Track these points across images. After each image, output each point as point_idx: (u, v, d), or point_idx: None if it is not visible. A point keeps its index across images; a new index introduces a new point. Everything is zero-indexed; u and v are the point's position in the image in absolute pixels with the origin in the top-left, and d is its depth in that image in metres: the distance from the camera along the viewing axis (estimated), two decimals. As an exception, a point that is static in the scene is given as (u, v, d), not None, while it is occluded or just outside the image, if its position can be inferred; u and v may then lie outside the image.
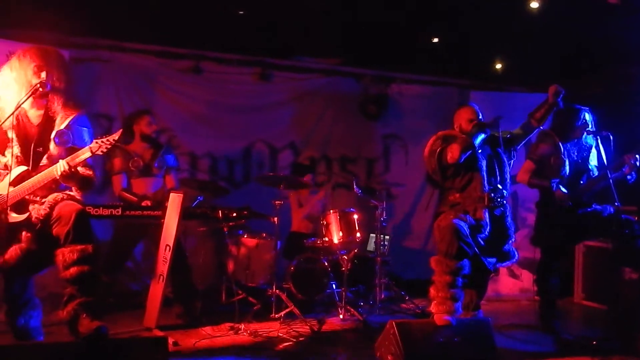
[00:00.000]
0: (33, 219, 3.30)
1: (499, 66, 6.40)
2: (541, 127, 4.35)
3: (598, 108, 4.82)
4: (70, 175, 3.31)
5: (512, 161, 4.33)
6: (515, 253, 4.19)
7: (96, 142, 3.34)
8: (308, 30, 5.64)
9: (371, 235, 5.97)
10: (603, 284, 5.58)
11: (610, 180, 4.30)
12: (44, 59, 3.40)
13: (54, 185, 3.40)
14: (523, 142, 4.40)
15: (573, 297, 5.94)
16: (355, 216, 5.22)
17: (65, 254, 3.19)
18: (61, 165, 3.28)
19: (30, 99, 3.38)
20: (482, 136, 4.03)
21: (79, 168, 3.37)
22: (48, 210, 3.30)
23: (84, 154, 3.34)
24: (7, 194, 3.24)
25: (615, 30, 4.98)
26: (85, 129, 3.56)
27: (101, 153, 3.37)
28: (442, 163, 4.06)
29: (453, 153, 3.94)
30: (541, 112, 4.19)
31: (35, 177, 3.33)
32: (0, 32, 4.92)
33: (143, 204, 4.64)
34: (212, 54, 6.17)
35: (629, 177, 4.40)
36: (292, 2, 4.89)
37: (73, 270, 3.17)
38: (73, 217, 3.19)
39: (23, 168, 3.37)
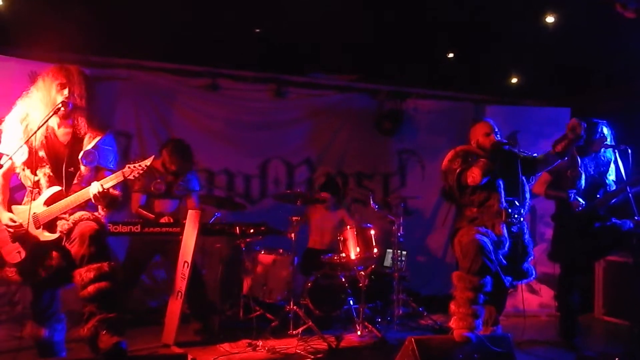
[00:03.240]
0: (59, 233, 3.36)
1: (514, 80, 6.39)
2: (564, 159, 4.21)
3: (615, 122, 4.79)
4: (103, 196, 3.37)
5: (531, 184, 4.30)
6: (533, 271, 4.16)
7: (129, 167, 3.41)
8: (323, 47, 5.69)
9: (388, 250, 5.95)
10: (624, 299, 5.49)
11: (630, 194, 4.26)
12: (67, 77, 3.47)
13: (83, 205, 3.46)
14: (544, 170, 4.34)
15: (594, 312, 5.85)
16: (372, 232, 5.21)
17: (82, 273, 3.23)
18: (95, 188, 3.35)
19: (57, 118, 3.45)
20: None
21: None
22: (72, 225, 3.36)
23: (117, 177, 3.41)
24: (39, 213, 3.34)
25: (632, 44, 4.96)
26: (110, 148, 3.63)
27: (133, 178, 3.43)
28: (462, 183, 4.04)
29: (475, 177, 3.92)
30: (562, 144, 3.97)
31: (69, 197, 3.41)
32: (21, 53, 5.03)
33: (162, 220, 4.67)
34: (228, 72, 6.26)
35: None
36: (307, 20, 4.93)
37: (91, 288, 3.20)
38: (88, 239, 3.25)
39: (57, 188, 3.43)
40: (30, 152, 3.38)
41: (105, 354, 3.12)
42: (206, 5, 4.79)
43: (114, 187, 3.46)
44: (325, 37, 5.40)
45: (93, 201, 3.39)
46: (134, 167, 3.40)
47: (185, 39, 5.40)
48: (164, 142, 5.22)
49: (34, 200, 3.41)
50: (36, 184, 3.41)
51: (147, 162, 3.43)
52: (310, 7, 4.66)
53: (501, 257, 3.90)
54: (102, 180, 3.41)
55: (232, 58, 6.01)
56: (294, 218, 4.92)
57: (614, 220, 4.49)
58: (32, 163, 3.39)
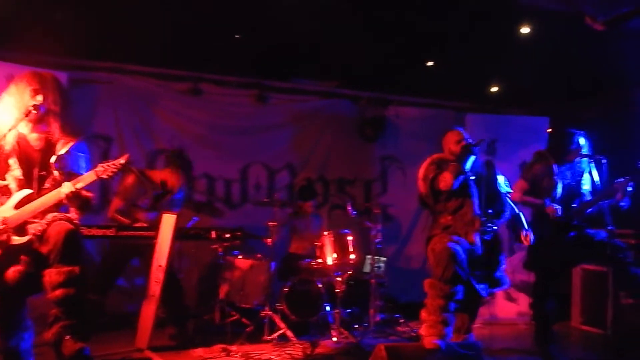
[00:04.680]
0: (30, 235, 3.32)
1: (494, 89, 6.44)
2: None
3: (594, 130, 4.84)
4: (75, 197, 3.34)
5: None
6: (507, 279, 4.19)
7: (102, 166, 3.38)
8: (305, 53, 5.71)
9: (367, 257, 5.96)
10: (601, 308, 5.53)
11: (605, 205, 4.31)
12: (40, 83, 3.44)
13: (55, 208, 3.43)
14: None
15: (571, 321, 5.88)
16: (350, 238, 5.23)
17: (52, 275, 3.18)
18: (67, 188, 3.32)
19: (30, 124, 3.43)
20: (472, 158, 4.06)
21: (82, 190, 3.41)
22: (45, 226, 3.32)
23: (90, 177, 3.37)
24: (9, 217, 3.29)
25: (609, 54, 5.01)
26: (82, 155, 3.59)
27: (106, 177, 3.40)
28: (435, 189, 4.08)
29: (446, 181, 3.97)
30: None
31: (39, 199, 3.36)
32: (1, 55, 5.00)
33: (137, 224, 4.65)
34: (211, 76, 6.25)
35: (622, 203, 4.37)
36: (289, 27, 4.95)
37: (59, 292, 3.16)
38: (62, 237, 3.21)
39: (28, 191, 3.40)
40: (0, 158, 3.36)
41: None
42: (189, 10, 4.80)
43: (86, 188, 3.44)
44: (308, 44, 5.42)
45: (65, 202, 3.37)
46: (107, 165, 3.36)
47: (168, 43, 5.39)
48: (168, 155, 5.23)
49: (3, 204, 3.38)
50: (5, 189, 3.38)
51: (122, 160, 3.39)
52: (294, 13, 4.68)
53: (473, 264, 3.93)
54: (72, 180, 3.36)
55: (215, 63, 6.02)
56: (271, 223, 4.92)
57: (587, 230, 4.52)
58: (2, 169, 3.36)
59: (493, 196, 4.16)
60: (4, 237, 3.31)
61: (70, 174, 3.47)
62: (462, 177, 3.98)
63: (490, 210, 4.08)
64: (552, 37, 4.83)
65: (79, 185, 3.35)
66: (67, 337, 3.12)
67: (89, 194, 3.48)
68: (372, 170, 6.94)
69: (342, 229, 5.32)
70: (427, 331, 3.69)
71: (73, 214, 3.49)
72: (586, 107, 6.17)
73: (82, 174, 3.50)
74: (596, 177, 4.60)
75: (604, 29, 3.68)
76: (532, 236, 4.29)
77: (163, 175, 4.95)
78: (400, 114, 6.88)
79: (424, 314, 3.82)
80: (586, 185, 4.65)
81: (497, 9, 4.42)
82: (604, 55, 5.08)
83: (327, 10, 4.68)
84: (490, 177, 4.20)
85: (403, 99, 6.87)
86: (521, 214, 4.37)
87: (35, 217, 3.37)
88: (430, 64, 5.82)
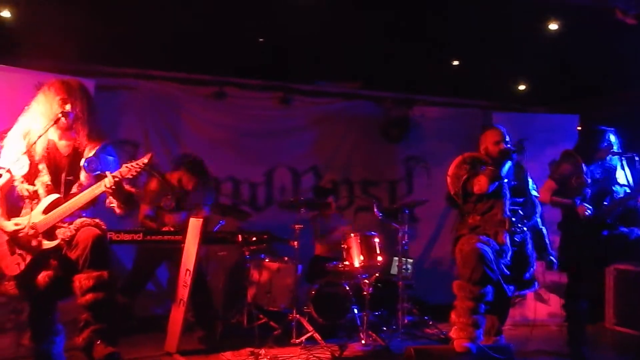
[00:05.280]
0: (60, 241, 3.37)
1: (521, 87, 6.34)
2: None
3: (622, 128, 4.72)
4: (117, 190, 3.37)
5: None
6: (536, 282, 4.11)
7: (125, 167, 3.41)
8: (328, 55, 5.70)
9: (394, 258, 5.91)
10: (635, 309, 5.40)
11: (638, 202, 4.20)
12: (68, 92, 3.49)
13: (86, 207, 3.47)
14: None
15: (604, 322, 5.75)
16: (376, 239, 5.19)
17: (82, 280, 3.23)
18: (107, 181, 3.34)
19: (59, 131, 3.49)
20: (509, 164, 3.98)
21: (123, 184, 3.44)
22: (74, 231, 3.36)
23: (115, 177, 3.39)
24: (39, 221, 3.34)
25: (638, 49, 4.89)
26: (111, 158, 3.63)
27: (130, 177, 3.42)
28: (467, 191, 4.01)
29: (481, 186, 3.89)
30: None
31: (67, 203, 3.39)
32: (29, 64, 5.09)
33: (164, 229, 4.69)
34: (235, 80, 6.30)
35: None
36: (312, 29, 4.95)
37: (89, 296, 3.21)
38: (90, 243, 3.25)
39: (55, 196, 3.45)
40: (31, 165, 3.41)
41: None
42: (212, 14, 4.82)
43: (129, 183, 3.47)
44: (330, 45, 5.40)
45: (108, 197, 3.39)
46: (132, 166, 3.38)
47: (191, 48, 5.44)
48: (179, 157, 5.26)
49: (33, 209, 3.43)
50: (34, 194, 3.43)
51: (145, 159, 3.41)
52: (315, 14, 4.67)
53: (503, 266, 3.86)
54: (107, 177, 3.37)
55: (239, 66, 6.05)
56: (297, 226, 4.91)
57: (621, 229, 4.41)
58: (32, 175, 3.42)
59: (524, 197, 4.08)
60: (35, 242, 3.37)
61: (99, 177, 3.51)
62: (497, 182, 3.90)
63: (520, 211, 4.01)
64: (580, 33, 4.73)
65: (115, 180, 3.37)
66: (98, 342, 3.16)
67: (131, 188, 3.51)
68: (396, 171, 6.89)
69: (368, 231, 5.27)
70: (457, 334, 3.64)
71: (117, 209, 3.51)
72: (617, 104, 6.03)
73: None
74: (629, 175, 4.49)
75: (636, 23, 3.59)
76: (555, 262, 4.22)
77: (177, 175, 4.98)
78: (425, 113, 6.83)
79: (453, 316, 3.77)
80: (618, 183, 4.54)
81: (524, 5, 4.34)
82: (633, 51, 4.95)
83: (349, 12, 4.66)
84: (522, 178, 4.13)
85: (428, 98, 6.82)
86: (544, 230, 4.29)
87: (64, 220, 3.41)
88: (455, 63, 5.74)
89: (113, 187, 3.34)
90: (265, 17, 4.85)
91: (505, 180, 4.01)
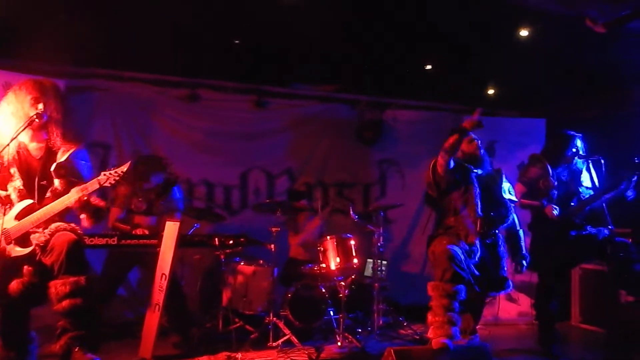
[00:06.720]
0: (34, 246, 3.29)
1: (492, 91, 6.47)
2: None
3: (592, 131, 4.87)
4: (84, 205, 3.31)
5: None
6: (509, 282, 4.21)
7: (104, 174, 3.36)
8: (303, 58, 5.71)
9: (368, 260, 5.96)
10: (600, 307, 5.57)
11: (603, 203, 4.35)
12: (41, 91, 3.42)
13: (59, 217, 3.40)
14: None
15: (571, 320, 5.92)
16: (352, 242, 5.22)
17: (58, 286, 3.16)
18: (74, 196, 3.29)
19: (30, 132, 3.40)
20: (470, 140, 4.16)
21: (90, 198, 3.38)
22: (49, 237, 3.29)
23: (92, 185, 3.35)
24: (9, 228, 3.25)
25: (608, 55, 5.05)
26: (84, 162, 3.56)
27: (109, 185, 3.38)
28: (436, 176, 4.11)
29: (439, 158, 4.02)
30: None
31: (41, 209, 3.32)
32: (-2, 63, 4.97)
33: (138, 231, 4.62)
34: (209, 82, 6.23)
35: (628, 193, 4.41)
36: (287, 31, 4.95)
37: (65, 303, 3.15)
38: (65, 248, 3.19)
39: (29, 202, 3.37)
40: (1, 169, 3.32)
41: None
42: (186, 16, 4.78)
43: (97, 197, 3.41)
44: (306, 48, 5.41)
45: (75, 211, 3.34)
46: (110, 174, 3.35)
47: (164, 49, 5.36)
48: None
49: (5, 215, 3.34)
50: (7, 199, 3.34)
51: (124, 168, 3.38)
52: (291, 17, 4.67)
53: (472, 267, 3.95)
54: (77, 188, 3.33)
55: (213, 68, 5.99)
56: (274, 229, 4.91)
57: (589, 229, 4.56)
58: (3, 180, 3.33)
59: (497, 200, 4.18)
60: (7, 249, 3.27)
61: (72, 183, 3.44)
62: (454, 150, 4.00)
63: (493, 214, 4.10)
64: (550, 39, 4.85)
65: (84, 192, 3.33)
66: (77, 349, 3.10)
67: (101, 203, 3.45)
68: (371, 174, 6.94)
69: (344, 233, 5.30)
70: (434, 332, 3.70)
71: (85, 221, 3.46)
72: (584, 108, 6.21)
73: (85, 182, 3.47)
74: (595, 177, 4.65)
75: (605, 31, 3.72)
76: (525, 266, 4.37)
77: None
78: (398, 117, 6.89)
79: (430, 317, 3.82)
80: (584, 185, 4.69)
81: (496, 11, 4.44)
82: (601, 56, 5.11)
83: (324, 15, 4.68)
84: (497, 181, 4.23)
85: (401, 102, 6.89)
86: (521, 232, 4.41)
87: (38, 226, 3.34)
88: (428, 67, 5.82)
89: (78, 205, 3.29)
90: (241, 18, 4.83)
91: (475, 172, 4.14)
